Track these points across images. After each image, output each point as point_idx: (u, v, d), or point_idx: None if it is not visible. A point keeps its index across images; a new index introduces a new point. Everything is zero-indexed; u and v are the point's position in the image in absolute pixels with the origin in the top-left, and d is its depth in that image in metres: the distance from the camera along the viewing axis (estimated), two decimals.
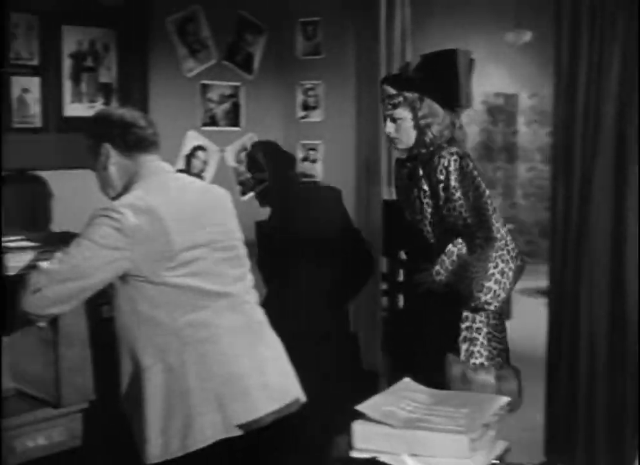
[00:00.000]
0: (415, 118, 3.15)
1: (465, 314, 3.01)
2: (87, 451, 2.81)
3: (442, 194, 3.05)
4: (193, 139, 3.98)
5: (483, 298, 2.91)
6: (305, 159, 4.36)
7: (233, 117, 4.15)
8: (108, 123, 2.57)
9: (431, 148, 3.13)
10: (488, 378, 2.98)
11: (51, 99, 3.53)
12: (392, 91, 3.17)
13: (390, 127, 3.19)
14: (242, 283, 2.57)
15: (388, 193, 4.07)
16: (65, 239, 2.50)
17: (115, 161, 2.53)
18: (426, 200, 3.10)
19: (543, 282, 4.43)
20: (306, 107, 4.34)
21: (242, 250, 2.63)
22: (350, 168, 4.29)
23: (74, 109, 3.59)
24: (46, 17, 3.49)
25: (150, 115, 3.16)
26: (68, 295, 2.36)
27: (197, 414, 2.36)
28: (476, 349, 2.99)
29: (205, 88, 4.03)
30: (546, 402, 3.91)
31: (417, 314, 3.23)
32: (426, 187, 3.09)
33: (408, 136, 3.18)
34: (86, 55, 3.63)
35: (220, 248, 2.50)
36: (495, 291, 2.91)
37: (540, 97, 10.49)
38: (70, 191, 3.44)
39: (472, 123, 9.83)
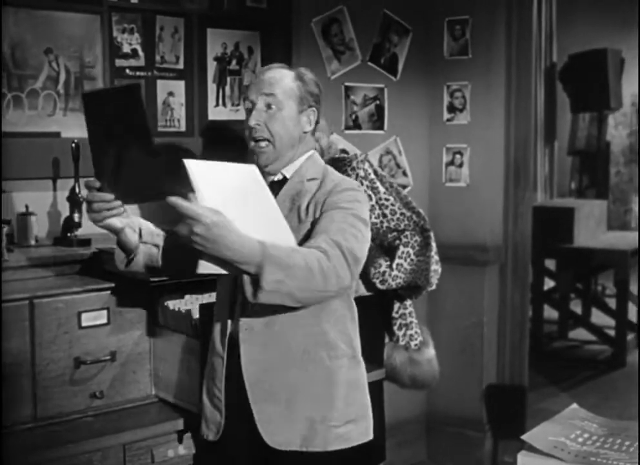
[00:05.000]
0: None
1: (397, 303, 3.10)
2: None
3: (371, 201, 2.96)
4: (336, 142, 3.88)
5: (434, 281, 3.02)
6: (451, 163, 4.21)
7: (376, 120, 4.03)
8: (320, 89, 2.35)
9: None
10: (430, 351, 3.12)
11: (196, 102, 3.51)
12: None
13: None
14: None
15: (543, 198, 3.89)
16: None
17: (310, 131, 2.33)
18: None
19: None
20: (452, 109, 4.19)
21: None
22: (498, 173, 4.13)
23: (218, 113, 3.57)
24: (191, 19, 3.48)
25: None
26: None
27: (369, 412, 2.34)
28: (412, 331, 3.11)
29: (348, 90, 3.93)
30: None
31: None
32: None
33: None
34: (230, 58, 3.60)
35: None
36: (438, 271, 3.04)
37: None
38: None
39: (620, 125, 9.40)
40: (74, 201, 3.01)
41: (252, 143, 2.26)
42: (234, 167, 2.17)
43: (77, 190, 3.01)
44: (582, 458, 1.86)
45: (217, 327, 2.35)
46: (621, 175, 9.53)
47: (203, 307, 2.61)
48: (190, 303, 2.81)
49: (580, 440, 1.94)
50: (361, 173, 2.97)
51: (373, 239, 2.62)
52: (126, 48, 3.32)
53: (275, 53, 3.70)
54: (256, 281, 1.93)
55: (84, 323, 2.65)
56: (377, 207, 2.98)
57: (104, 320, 2.69)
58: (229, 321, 2.30)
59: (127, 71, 3.33)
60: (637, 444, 1.91)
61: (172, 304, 2.80)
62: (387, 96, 4.08)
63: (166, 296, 2.82)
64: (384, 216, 3.00)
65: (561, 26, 8.08)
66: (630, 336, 6.48)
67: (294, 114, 2.28)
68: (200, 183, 1.94)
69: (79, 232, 3.02)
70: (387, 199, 3.00)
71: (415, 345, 3.11)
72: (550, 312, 6.92)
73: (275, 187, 2.28)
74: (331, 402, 2.24)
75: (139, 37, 3.35)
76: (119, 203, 2.15)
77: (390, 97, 4.09)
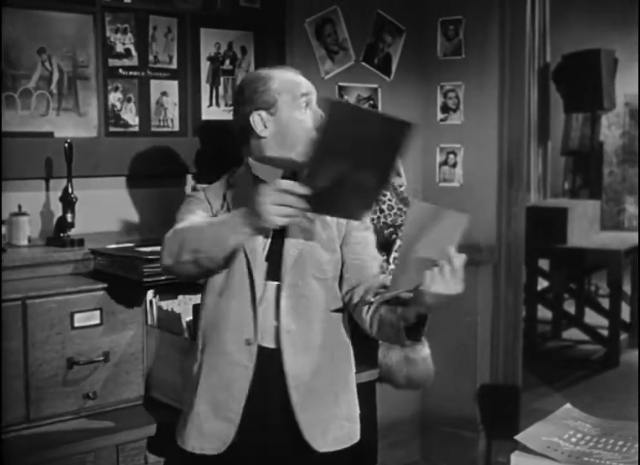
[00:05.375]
0: None
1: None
2: None
3: None
4: None
5: None
6: (444, 163, 4.21)
7: None
8: None
9: None
10: (425, 349, 3.10)
11: (190, 102, 3.51)
12: None
13: None
14: None
15: (537, 198, 3.90)
16: None
17: None
18: None
19: None
20: (445, 109, 4.19)
21: None
22: (491, 173, 4.13)
23: (211, 113, 3.56)
24: (185, 19, 3.47)
25: None
26: None
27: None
28: None
29: (342, 90, 3.93)
30: None
31: None
32: None
33: None
34: (224, 58, 3.59)
35: None
36: None
37: None
38: None
39: (613, 126, 9.41)
40: (67, 201, 3.00)
41: None
42: None
43: (69, 190, 3.00)
44: (576, 459, 1.86)
45: (231, 335, 2.20)
46: (614, 175, 9.54)
47: (196, 308, 2.60)
48: (184, 304, 2.81)
49: (573, 440, 1.94)
50: None
51: None
52: (119, 48, 3.31)
53: (269, 53, 3.69)
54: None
55: (76, 324, 2.64)
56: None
57: (97, 321, 2.68)
58: (255, 327, 2.18)
59: (120, 71, 3.32)
60: (633, 444, 1.91)
61: (165, 304, 2.79)
62: (381, 96, 4.08)
63: (159, 296, 2.81)
64: (381, 211, 3.00)
65: (555, 26, 8.08)
66: (623, 336, 6.49)
67: None
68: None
69: (72, 232, 3.00)
70: (384, 195, 3.01)
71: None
72: (544, 312, 6.92)
73: None
74: (353, 400, 2.34)
75: (132, 37, 3.34)
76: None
77: (383, 97, 4.09)
